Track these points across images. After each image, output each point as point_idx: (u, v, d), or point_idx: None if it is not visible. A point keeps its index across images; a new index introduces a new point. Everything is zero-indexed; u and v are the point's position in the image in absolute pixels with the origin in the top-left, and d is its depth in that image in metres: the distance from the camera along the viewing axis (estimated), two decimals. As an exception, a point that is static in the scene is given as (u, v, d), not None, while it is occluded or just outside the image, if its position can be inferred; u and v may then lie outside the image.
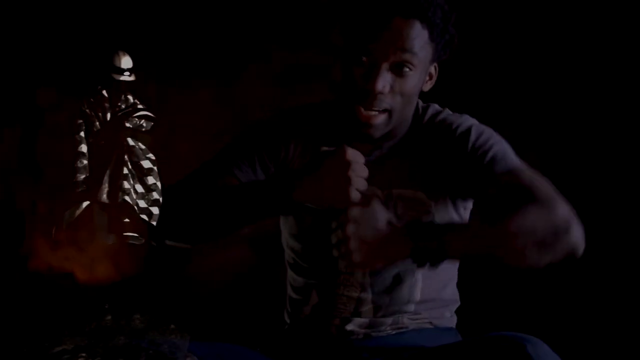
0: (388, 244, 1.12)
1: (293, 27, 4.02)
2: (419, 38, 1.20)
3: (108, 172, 4.19)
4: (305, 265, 1.35)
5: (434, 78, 1.32)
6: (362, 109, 1.21)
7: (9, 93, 4.24)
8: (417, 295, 1.31)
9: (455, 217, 1.32)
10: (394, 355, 1.28)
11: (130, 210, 4.19)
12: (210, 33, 4.26)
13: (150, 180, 4.27)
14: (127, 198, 4.18)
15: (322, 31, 3.66)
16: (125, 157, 4.24)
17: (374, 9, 1.19)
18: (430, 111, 1.35)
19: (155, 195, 4.25)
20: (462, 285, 1.42)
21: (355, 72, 1.21)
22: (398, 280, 1.29)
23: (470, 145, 1.26)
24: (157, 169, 4.28)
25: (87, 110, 4.22)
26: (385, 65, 1.19)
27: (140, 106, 4.33)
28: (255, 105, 4.10)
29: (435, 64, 1.30)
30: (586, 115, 2.91)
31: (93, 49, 4.25)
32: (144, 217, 4.20)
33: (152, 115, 4.31)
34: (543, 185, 1.19)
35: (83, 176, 4.14)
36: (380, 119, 1.22)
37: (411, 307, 1.32)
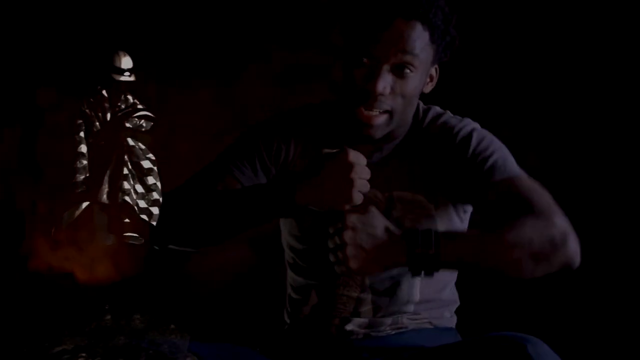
0: (385, 251, 1.12)
1: (293, 27, 4.02)
2: (420, 40, 1.20)
3: (108, 172, 4.19)
4: (305, 265, 1.35)
5: (435, 80, 1.31)
6: (363, 110, 1.21)
7: (9, 93, 4.24)
8: (417, 296, 1.31)
9: (457, 220, 1.32)
10: (394, 355, 1.28)
11: (130, 210, 4.20)
12: (210, 33, 4.26)
13: (150, 180, 4.27)
14: (127, 198, 4.18)
15: (322, 31, 3.66)
16: (125, 157, 4.24)
17: (375, 10, 1.18)
18: (431, 113, 1.35)
19: (155, 195, 4.26)
20: (461, 285, 1.42)
21: (355, 73, 1.21)
22: (397, 280, 1.29)
23: (470, 151, 1.26)
24: (157, 169, 4.29)
25: (87, 111, 4.22)
26: (386, 67, 1.19)
27: (140, 106, 4.33)
28: (255, 105, 4.10)
29: (436, 66, 1.29)
30: (586, 116, 2.91)
31: (93, 49, 4.25)
32: (144, 217, 4.21)
33: (151, 115, 4.31)
34: (542, 196, 1.19)
35: (82, 177, 4.14)
36: (381, 119, 1.22)
37: (411, 308, 1.32)
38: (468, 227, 1.37)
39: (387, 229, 1.13)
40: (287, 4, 4.05)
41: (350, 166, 1.12)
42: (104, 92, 4.26)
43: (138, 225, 4.20)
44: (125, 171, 4.21)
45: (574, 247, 1.14)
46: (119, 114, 4.26)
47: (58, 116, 4.19)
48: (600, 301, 2.71)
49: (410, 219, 1.27)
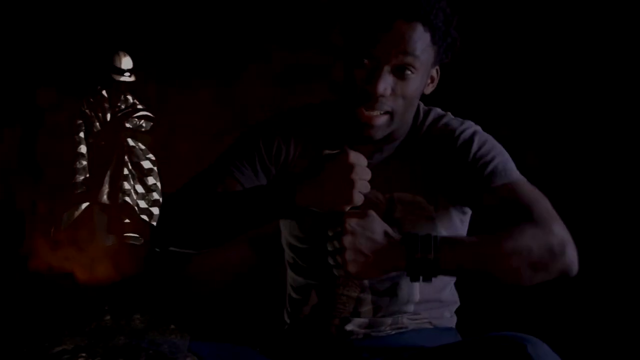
0: (384, 256, 1.11)
1: (293, 27, 4.02)
2: (421, 41, 1.19)
3: (109, 173, 4.19)
4: (305, 265, 1.35)
5: (436, 81, 1.31)
6: (364, 110, 1.21)
7: (9, 93, 4.24)
8: (417, 296, 1.31)
9: (457, 222, 1.32)
10: (394, 355, 1.28)
11: (130, 210, 4.20)
12: (210, 33, 4.27)
13: (151, 180, 4.28)
14: (127, 199, 4.18)
15: (322, 31, 3.66)
16: (126, 157, 4.24)
17: (376, 11, 1.18)
18: (432, 115, 1.35)
19: (156, 195, 4.26)
20: (462, 285, 1.42)
21: (356, 73, 1.21)
22: (397, 280, 1.29)
23: (471, 155, 1.26)
24: (157, 169, 4.29)
25: (87, 111, 4.22)
26: (387, 68, 1.19)
27: (139, 106, 4.33)
28: (255, 105, 4.10)
29: (437, 67, 1.29)
30: (585, 116, 2.91)
31: (93, 49, 4.25)
32: (145, 217, 4.21)
33: (151, 115, 4.31)
34: (541, 203, 1.19)
35: (82, 177, 4.15)
36: (381, 120, 1.22)
37: (411, 308, 1.32)
38: (468, 228, 1.37)
39: (386, 234, 1.13)
40: (287, 4, 4.05)
41: (350, 167, 1.12)
42: (103, 92, 4.27)
43: (138, 225, 4.20)
44: (126, 172, 4.22)
45: (572, 256, 1.14)
46: (119, 114, 4.26)
47: (58, 116, 4.20)
48: (599, 301, 2.71)
49: (411, 220, 1.27)
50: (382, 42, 1.17)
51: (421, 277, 1.12)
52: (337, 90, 1.28)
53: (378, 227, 1.12)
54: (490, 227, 1.18)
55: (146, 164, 4.25)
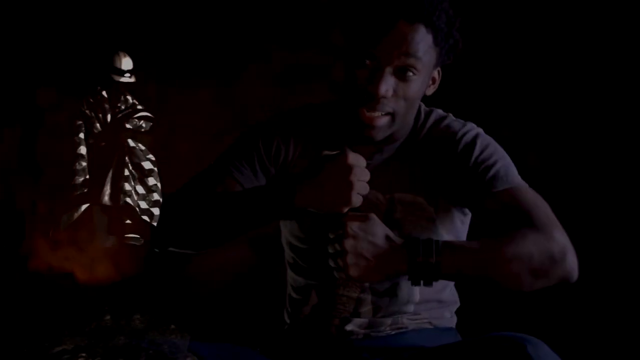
0: (385, 259, 1.11)
1: (293, 27, 4.02)
2: (423, 42, 1.19)
3: (110, 174, 4.19)
4: (306, 265, 1.35)
5: (437, 82, 1.31)
6: (365, 111, 1.21)
7: (9, 93, 4.24)
8: (417, 296, 1.31)
9: (458, 223, 1.32)
10: (394, 355, 1.28)
11: (131, 211, 4.20)
12: (210, 33, 4.27)
13: (151, 181, 4.28)
14: (128, 200, 4.18)
15: (322, 31, 3.66)
16: (126, 158, 4.24)
17: (378, 13, 1.18)
18: (433, 116, 1.35)
19: (156, 196, 4.26)
20: (462, 285, 1.42)
21: (358, 74, 1.21)
22: (397, 281, 1.29)
23: (473, 159, 1.26)
24: (157, 169, 4.29)
25: (87, 111, 4.22)
26: (388, 69, 1.19)
27: (139, 107, 4.33)
28: (255, 105, 4.10)
29: (439, 68, 1.29)
30: (586, 116, 2.91)
31: (93, 49, 4.25)
32: (145, 218, 4.21)
33: (151, 115, 4.31)
34: (542, 208, 1.19)
35: (82, 178, 4.15)
36: (383, 120, 1.22)
37: (411, 308, 1.32)
38: (469, 231, 1.37)
39: (387, 237, 1.12)
40: (287, 4, 4.05)
41: (349, 168, 1.11)
42: (103, 92, 4.27)
43: (139, 226, 4.21)
44: (126, 172, 4.22)
45: (572, 263, 1.14)
46: (119, 115, 4.26)
47: (58, 116, 4.20)
48: (599, 301, 2.71)
49: (411, 221, 1.27)
50: (384, 43, 1.17)
51: (422, 281, 1.12)
52: (337, 91, 1.28)
53: (379, 230, 1.12)
54: (490, 232, 1.18)
55: (147, 165, 4.25)
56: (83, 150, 4.16)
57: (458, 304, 1.42)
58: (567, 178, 2.82)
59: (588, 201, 2.79)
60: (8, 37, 4.13)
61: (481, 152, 1.26)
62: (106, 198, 4.15)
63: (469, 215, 1.34)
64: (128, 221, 4.17)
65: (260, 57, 4.17)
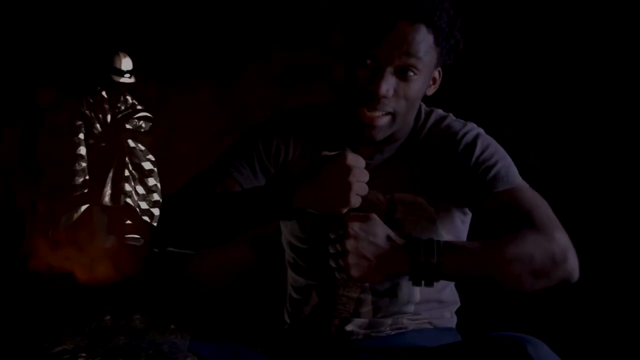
0: (387, 260, 1.11)
1: (293, 27, 4.02)
2: (424, 42, 1.19)
3: (110, 174, 4.19)
4: (306, 265, 1.35)
5: (438, 82, 1.31)
6: (366, 111, 1.21)
7: (9, 93, 4.24)
8: (417, 296, 1.31)
9: (458, 223, 1.32)
10: (394, 356, 1.28)
11: (132, 212, 4.20)
12: (210, 33, 4.27)
13: (151, 181, 4.28)
14: (129, 200, 4.19)
15: (322, 31, 3.66)
16: (126, 159, 4.24)
17: (379, 12, 1.17)
18: (433, 116, 1.35)
19: (156, 196, 4.27)
20: (462, 285, 1.42)
21: (358, 73, 1.21)
22: (398, 281, 1.29)
23: (474, 159, 1.26)
24: (157, 169, 4.29)
25: (87, 112, 4.22)
26: (389, 69, 1.18)
27: (139, 107, 4.33)
28: (255, 105, 4.10)
29: (439, 69, 1.29)
30: (586, 116, 2.91)
31: (93, 50, 4.25)
32: (146, 218, 4.21)
33: (150, 116, 4.31)
34: (542, 209, 1.19)
35: (82, 179, 4.15)
36: (383, 120, 1.22)
37: (411, 308, 1.32)
38: (469, 231, 1.37)
39: (388, 238, 1.12)
40: (287, 4, 4.05)
41: (348, 169, 1.11)
42: (103, 93, 4.27)
43: (140, 226, 4.21)
44: (127, 173, 4.22)
45: (573, 264, 1.14)
46: (119, 115, 4.26)
47: (58, 116, 4.20)
48: (599, 301, 2.71)
49: (411, 221, 1.27)
50: (385, 43, 1.17)
51: (423, 281, 1.12)
52: (337, 90, 1.28)
53: (380, 231, 1.12)
54: (491, 232, 1.18)
55: (147, 165, 4.25)
56: (83, 150, 4.16)
57: (458, 304, 1.42)
58: (567, 178, 2.82)
59: (588, 201, 2.79)
60: (8, 37, 4.13)
61: (482, 153, 1.26)
62: (107, 199, 4.16)
63: (470, 215, 1.34)
64: (128, 222, 4.17)
65: (260, 57, 4.17)
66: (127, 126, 4.24)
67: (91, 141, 4.20)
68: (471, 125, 1.33)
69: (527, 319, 2.40)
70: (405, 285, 1.29)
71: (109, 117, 4.25)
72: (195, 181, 1.31)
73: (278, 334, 1.43)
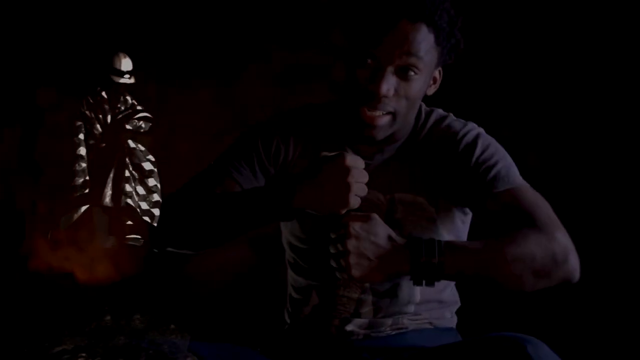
0: (388, 260, 1.11)
1: (293, 27, 4.02)
2: (425, 42, 1.19)
3: (111, 175, 4.19)
4: (306, 265, 1.35)
5: (438, 82, 1.31)
6: (366, 110, 1.21)
7: (9, 93, 4.24)
8: (417, 297, 1.31)
9: (458, 223, 1.32)
10: (394, 356, 1.28)
11: (133, 212, 4.20)
12: (210, 33, 4.27)
13: (151, 182, 4.28)
14: (129, 201, 4.18)
15: (322, 31, 3.66)
16: (127, 159, 4.24)
17: (380, 12, 1.17)
18: (434, 116, 1.34)
19: (156, 197, 4.27)
20: (462, 285, 1.42)
21: (359, 73, 1.21)
22: (398, 281, 1.29)
23: (474, 159, 1.26)
24: (157, 170, 4.29)
25: (87, 112, 4.22)
26: (390, 69, 1.18)
27: (139, 107, 4.33)
28: (255, 105, 4.10)
29: (440, 68, 1.29)
30: (586, 116, 2.91)
31: (93, 50, 4.25)
32: (146, 219, 4.21)
33: (150, 116, 4.31)
34: (543, 209, 1.19)
35: (82, 180, 4.15)
36: (384, 120, 1.22)
37: (411, 308, 1.32)
38: (469, 231, 1.37)
39: (390, 238, 1.12)
40: (287, 4, 4.05)
41: (347, 170, 1.11)
42: (103, 93, 4.27)
43: (140, 227, 4.21)
44: (127, 174, 4.22)
45: (574, 264, 1.14)
46: (119, 116, 4.26)
47: (58, 116, 4.20)
48: (600, 302, 2.71)
49: (412, 221, 1.27)
50: (386, 43, 1.17)
51: (424, 281, 1.12)
52: (337, 90, 1.27)
53: (382, 231, 1.12)
54: (492, 232, 1.18)
55: (147, 166, 4.25)
56: (83, 151, 4.16)
57: (458, 304, 1.42)
58: (567, 178, 2.82)
59: (588, 201, 2.79)
60: (8, 37, 4.13)
61: (482, 153, 1.26)
62: (107, 199, 4.16)
63: (470, 215, 1.34)
64: (129, 222, 4.17)
65: (260, 57, 4.17)
66: (127, 127, 4.24)
67: (91, 142, 4.20)
68: (471, 125, 1.33)
69: (527, 319, 2.40)
70: (406, 285, 1.29)
71: (109, 118, 4.25)
72: (195, 181, 1.31)
73: (278, 334, 1.43)
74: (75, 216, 4.09)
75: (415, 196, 1.28)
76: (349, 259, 1.10)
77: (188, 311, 3.26)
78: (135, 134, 4.26)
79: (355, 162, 1.12)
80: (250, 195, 1.23)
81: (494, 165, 1.24)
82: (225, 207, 1.22)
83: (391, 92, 1.19)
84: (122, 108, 4.28)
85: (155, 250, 1.32)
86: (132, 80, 4.23)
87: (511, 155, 1.29)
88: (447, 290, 1.37)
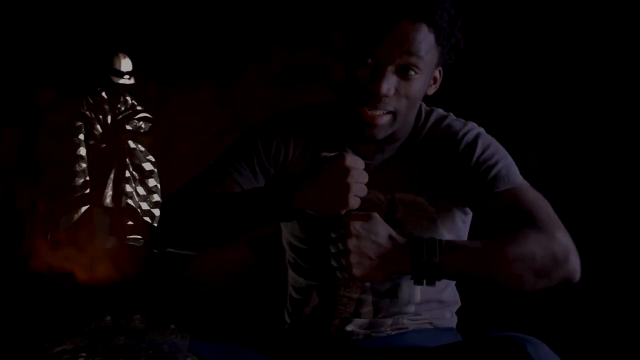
0: (389, 259, 1.11)
1: (293, 27, 4.02)
2: (425, 42, 1.19)
3: (111, 175, 4.20)
4: (306, 265, 1.35)
5: (438, 82, 1.31)
6: (367, 110, 1.21)
7: (9, 93, 4.24)
8: (418, 297, 1.31)
9: (459, 222, 1.32)
10: (394, 356, 1.28)
11: (133, 213, 4.20)
12: (210, 33, 4.27)
13: (152, 182, 4.28)
14: (130, 201, 4.18)
15: (322, 31, 3.66)
16: (127, 160, 4.24)
17: (380, 11, 1.18)
18: (434, 116, 1.35)
19: (157, 197, 4.27)
20: (462, 285, 1.42)
21: (359, 73, 1.21)
22: (398, 281, 1.29)
23: (474, 159, 1.26)
24: (157, 170, 4.29)
25: (87, 113, 4.22)
26: (390, 68, 1.19)
27: (139, 108, 4.33)
28: (255, 105, 4.10)
29: (440, 68, 1.29)
30: (586, 116, 2.91)
31: (93, 50, 4.25)
32: (147, 219, 4.21)
33: (150, 116, 4.31)
34: (544, 208, 1.19)
35: (82, 180, 4.15)
36: (384, 119, 1.22)
37: (411, 308, 1.32)
38: (470, 231, 1.37)
39: (390, 237, 1.12)
40: (287, 4, 4.05)
41: (346, 171, 1.11)
42: (103, 93, 4.27)
43: (141, 227, 4.21)
44: (127, 174, 4.22)
45: (575, 264, 1.14)
46: (119, 116, 4.26)
47: (58, 116, 4.20)
48: (600, 302, 2.71)
49: (412, 221, 1.27)
50: (386, 42, 1.17)
51: (425, 281, 1.12)
52: (337, 90, 1.28)
53: (382, 230, 1.12)
54: (492, 232, 1.18)
55: (147, 166, 4.25)
56: (83, 151, 4.16)
57: (459, 304, 1.42)
58: (567, 178, 2.82)
59: (589, 201, 2.80)
60: (8, 37, 4.13)
61: (482, 152, 1.26)
62: (108, 200, 4.16)
63: (470, 214, 1.34)
64: (130, 223, 4.17)
65: (260, 57, 4.17)
66: (127, 127, 4.24)
67: (91, 142, 4.20)
68: (472, 124, 1.33)
69: (527, 319, 2.40)
70: (406, 285, 1.29)
71: (109, 118, 4.25)
72: (195, 182, 1.31)
73: (278, 334, 1.43)
74: (76, 216, 4.09)
75: (415, 196, 1.28)
76: (350, 258, 1.10)
77: (188, 311, 3.26)
78: (135, 135, 4.26)
79: (355, 163, 1.12)
80: (250, 195, 1.23)
81: (494, 165, 1.24)
82: (225, 207, 1.22)
83: (391, 92, 1.19)
84: (122, 108, 4.28)
85: (156, 251, 1.32)
86: (132, 81, 4.23)
87: (511, 155, 1.30)
88: (448, 290, 1.37)
